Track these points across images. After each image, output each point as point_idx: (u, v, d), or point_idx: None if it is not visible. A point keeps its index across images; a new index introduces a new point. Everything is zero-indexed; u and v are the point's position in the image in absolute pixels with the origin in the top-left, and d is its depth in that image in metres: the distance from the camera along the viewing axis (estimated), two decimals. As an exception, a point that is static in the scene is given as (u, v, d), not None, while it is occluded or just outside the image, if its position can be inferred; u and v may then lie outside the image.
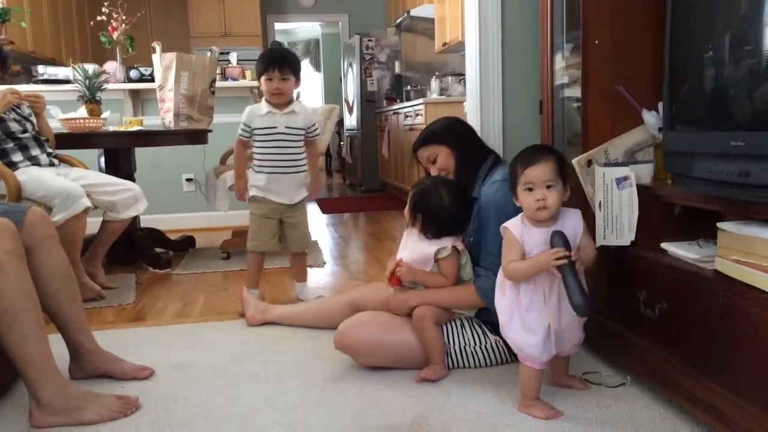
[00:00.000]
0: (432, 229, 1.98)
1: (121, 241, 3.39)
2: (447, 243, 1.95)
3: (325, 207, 6.45)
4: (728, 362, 1.42)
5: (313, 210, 6.30)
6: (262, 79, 2.60)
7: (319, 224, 5.38)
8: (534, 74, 2.44)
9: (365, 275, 3.40)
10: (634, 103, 1.86)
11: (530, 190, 1.60)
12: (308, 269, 3.54)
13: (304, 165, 2.71)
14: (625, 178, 1.79)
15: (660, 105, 1.82)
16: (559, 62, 2.25)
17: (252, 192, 2.69)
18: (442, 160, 2.09)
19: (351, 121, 8.55)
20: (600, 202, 1.84)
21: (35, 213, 1.86)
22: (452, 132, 2.13)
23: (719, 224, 1.46)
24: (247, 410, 1.75)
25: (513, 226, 1.66)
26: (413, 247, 2.01)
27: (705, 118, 1.59)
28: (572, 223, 1.65)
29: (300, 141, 2.67)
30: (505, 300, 1.69)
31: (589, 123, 1.91)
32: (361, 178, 8.03)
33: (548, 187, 1.59)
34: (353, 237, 4.84)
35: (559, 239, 1.55)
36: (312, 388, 1.88)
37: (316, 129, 2.72)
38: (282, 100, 2.61)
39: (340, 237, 4.80)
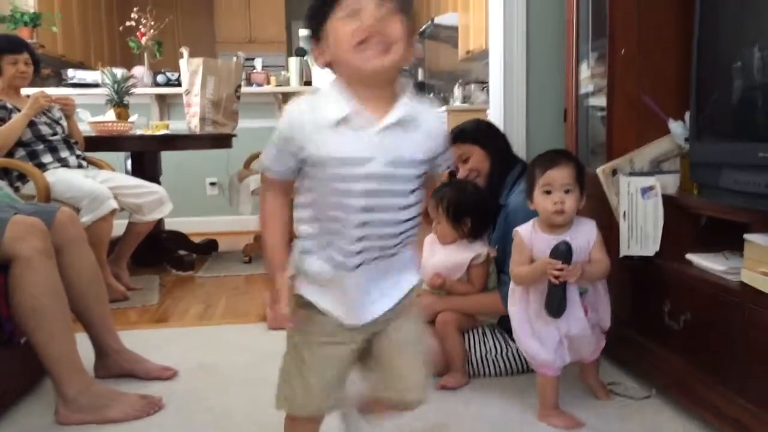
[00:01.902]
0: (481, 228, 1.97)
1: (146, 243, 3.43)
2: (482, 250, 1.95)
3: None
4: (753, 375, 1.40)
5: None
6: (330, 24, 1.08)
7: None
8: (559, 83, 2.44)
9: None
10: (660, 113, 1.85)
11: (548, 193, 1.60)
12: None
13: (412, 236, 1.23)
14: (651, 188, 1.79)
15: (687, 114, 1.81)
16: (585, 71, 2.24)
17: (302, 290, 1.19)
18: (475, 160, 2.05)
19: (373, 127, 8.56)
20: (624, 212, 1.83)
21: (64, 214, 1.89)
22: (488, 134, 2.11)
23: (746, 236, 1.45)
24: (268, 412, 1.74)
25: (523, 230, 1.66)
26: (445, 255, 1.99)
27: (733, 128, 1.58)
28: (585, 232, 1.64)
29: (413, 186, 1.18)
30: (515, 307, 1.69)
31: (614, 132, 1.90)
32: (384, 184, 8.02)
33: (566, 191, 1.59)
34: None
35: (561, 251, 1.53)
36: (333, 392, 1.88)
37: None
38: (384, 76, 1.10)
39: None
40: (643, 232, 1.81)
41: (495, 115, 2.72)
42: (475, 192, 2.00)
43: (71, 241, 1.88)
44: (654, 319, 1.76)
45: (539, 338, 1.63)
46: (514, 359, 1.98)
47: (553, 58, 2.60)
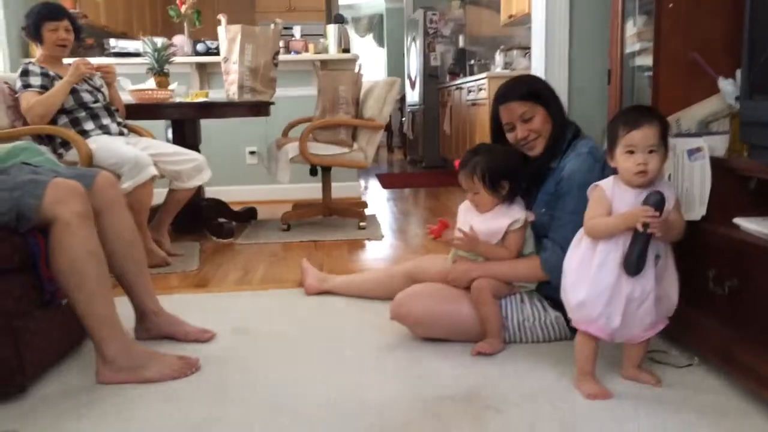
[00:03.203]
0: (518, 189, 1.92)
1: (187, 210, 3.48)
2: (520, 215, 1.91)
3: (386, 182, 6.45)
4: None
5: (373, 185, 6.31)
6: None
7: (378, 199, 5.38)
8: (604, 42, 2.35)
9: (424, 249, 3.39)
10: (709, 70, 1.76)
11: (631, 153, 1.53)
12: (367, 241, 3.57)
13: None
14: (698, 150, 1.71)
15: (738, 73, 1.72)
16: (630, 29, 2.16)
17: None
18: (538, 121, 1.92)
19: (413, 96, 8.49)
20: (670, 174, 1.76)
21: (104, 177, 1.91)
22: (552, 93, 1.99)
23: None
24: (304, 376, 1.77)
25: (605, 183, 1.59)
26: (481, 222, 1.94)
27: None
28: (667, 194, 1.55)
29: None
30: (575, 260, 1.62)
31: (660, 91, 1.82)
32: (423, 154, 7.99)
33: (650, 152, 1.52)
34: (413, 212, 4.82)
35: (655, 199, 1.47)
36: (367, 357, 1.89)
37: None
38: None
39: (399, 212, 4.79)
40: (689, 195, 1.74)
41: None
42: (505, 153, 1.95)
43: (110, 205, 1.90)
44: (698, 285, 1.70)
45: (595, 286, 1.55)
46: (553, 327, 1.94)
47: (598, 15, 2.51)
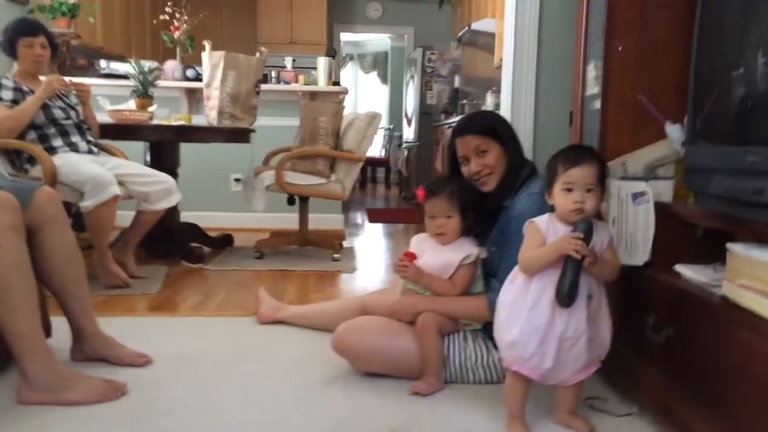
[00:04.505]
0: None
1: (161, 234, 3.45)
2: (473, 250, 1.88)
3: (374, 216, 6.42)
4: (729, 397, 1.29)
5: (362, 218, 6.29)
6: None
7: (363, 233, 5.35)
8: (569, 83, 2.34)
9: (393, 283, 3.33)
10: (657, 114, 1.74)
11: (569, 190, 1.51)
12: (339, 274, 3.52)
13: None
14: (642, 194, 1.68)
15: (686, 119, 1.70)
16: (591, 72, 2.14)
17: None
18: (493, 157, 1.90)
19: (409, 133, 8.52)
20: (614, 218, 1.73)
21: (44, 192, 1.89)
22: (510, 130, 1.97)
23: (728, 245, 1.34)
24: (230, 405, 1.71)
25: (539, 221, 1.57)
26: (434, 255, 1.91)
27: (726, 132, 1.47)
28: (600, 234, 1.54)
29: None
30: (508, 295, 1.58)
31: (607, 133, 1.81)
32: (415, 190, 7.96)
33: (588, 191, 1.50)
34: (393, 247, 4.78)
35: (584, 226, 1.45)
36: (301, 390, 1.83)
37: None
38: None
39: (380, 246, 4.75)
40: (632, 239, 1.71)
41: (504, 113, 2.63)
42: (471, 186, 1.94)
43: (49, 221, 1.87)
44: (638, 332, 1.66)
45: (529, 325, 1.50)
46: (495, 368, 1.89)
47: (566, 56, 2.50)
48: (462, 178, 1.98)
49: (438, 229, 1.91)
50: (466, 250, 1.89)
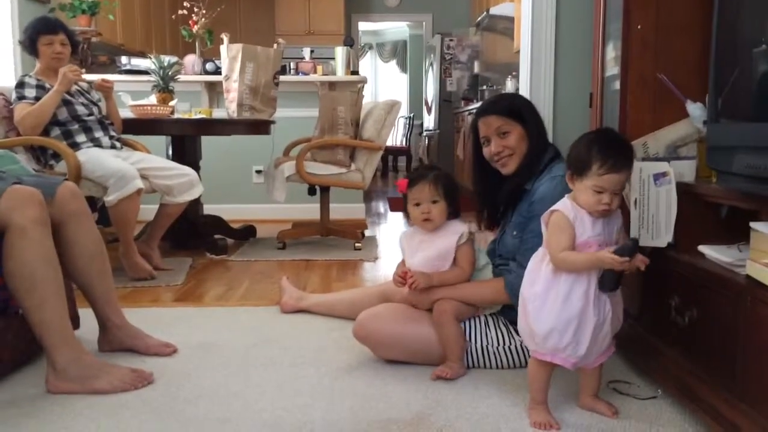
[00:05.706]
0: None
1: (185, 227, 3.49)
2: (462, 228, 1.89)
3: (394, 205, 6.42)
4: (753, 377, 1.27)
5: (383, 207, 6.29)
6: None
7: (387, 221, 5.36)
8: (588, 64, 2.31)
9: (414, 272, 3.33)
10: (677, 93, 1.71)
11: (599, 192, 1.48)
12: (361, 262, 3.53)
13: None
14: (664, 175, 1.65)
15: (707, 97, 1.67)
16: (610, 52, 2.12)
17: None
18: (514, 138, 1.87)
19: (429, 121, 8.49)
20: (636, 200, 1.71)
21: (67, 187, 1.91)
22: (533, 112, 1.93)
23: (752, 224, 1.32)
24: (254, 393, 1.73)
25: (565, 208, 1.52)
26: (428, 247, 1.92)
27: (750, 108, 1.45)
28: (616, 220, 1.55)
29: None
30: (537, 287, 1.54)
31: (628, 114, 1.78)
32: (436, 179, 7.95)
33: (615, 193, 1.49)
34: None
35: (630, 251, 1.42)
36: (324, 376, 1.85)
37: None
38: None
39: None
40: (654, 221, 1.69)
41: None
42: (451, 175, 2.01)
43: (74, 215, 1.90)
44: (662, 314, 1.64)
45: (563, 319, 1.48)
46: (517, 353, 1.88)
47: (585, 37, 2.48)
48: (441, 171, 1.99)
49: (424, 215, 1.90)
50: (456, 231, 1.90)
